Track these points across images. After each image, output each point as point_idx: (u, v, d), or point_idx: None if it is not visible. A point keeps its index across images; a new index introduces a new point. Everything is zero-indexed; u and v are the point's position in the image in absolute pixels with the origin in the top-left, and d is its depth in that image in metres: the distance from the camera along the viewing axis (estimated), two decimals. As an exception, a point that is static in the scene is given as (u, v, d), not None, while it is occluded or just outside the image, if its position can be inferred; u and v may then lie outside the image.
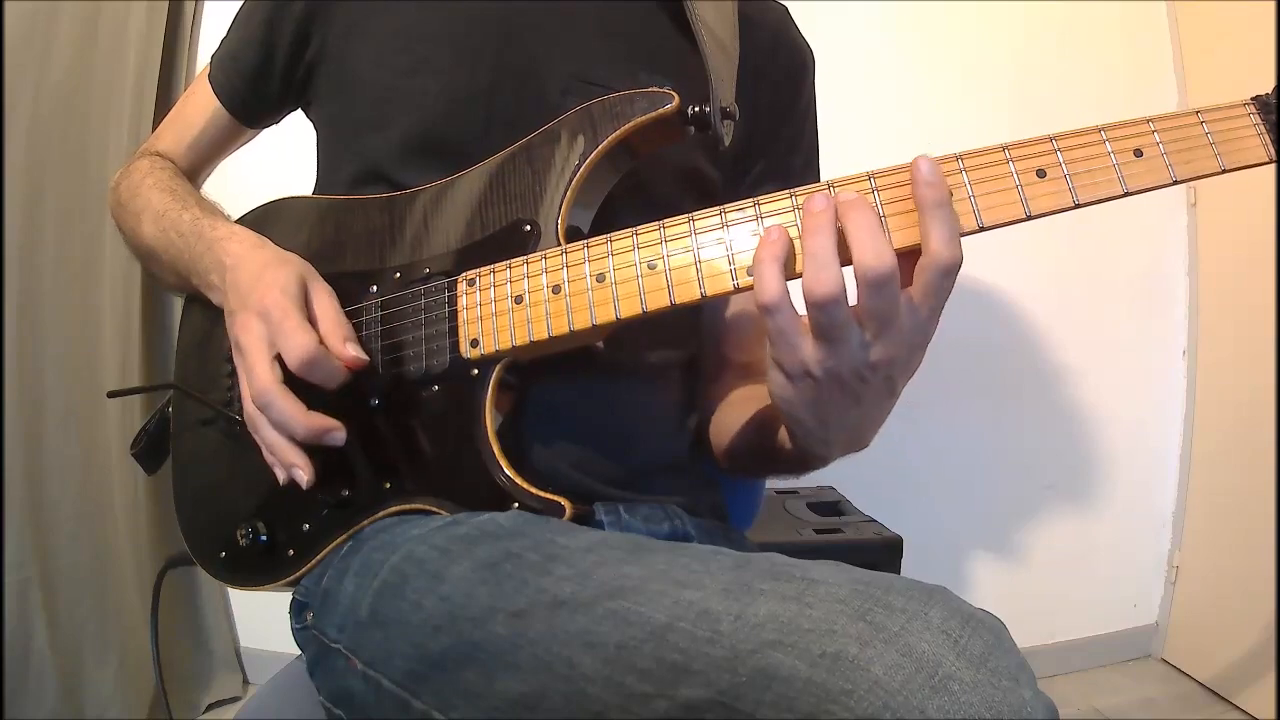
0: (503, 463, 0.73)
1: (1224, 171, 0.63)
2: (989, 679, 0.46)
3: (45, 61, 1.89)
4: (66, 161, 1.92)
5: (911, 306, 0.61)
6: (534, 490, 0.72)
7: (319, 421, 0.74)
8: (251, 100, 1.00)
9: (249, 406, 0.76)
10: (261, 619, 2.17)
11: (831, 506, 1.85)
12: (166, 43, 1.98)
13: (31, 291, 1.89)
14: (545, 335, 0.72)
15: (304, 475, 0.75)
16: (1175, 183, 0.63)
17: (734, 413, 0.93)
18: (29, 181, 1.88)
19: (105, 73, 1.94)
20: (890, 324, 0.61)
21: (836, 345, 0.61)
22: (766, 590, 0.52)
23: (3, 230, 1.83)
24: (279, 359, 0.74)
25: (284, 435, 0.75)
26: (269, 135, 1.09)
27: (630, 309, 0.69)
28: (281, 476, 0.76)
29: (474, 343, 0.75)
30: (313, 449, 0.76)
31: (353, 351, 0.76)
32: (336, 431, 0.75)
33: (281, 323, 0.74)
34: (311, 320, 0.76)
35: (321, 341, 0.75)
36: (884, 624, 0.48)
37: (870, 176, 0.64)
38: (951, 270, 0.60)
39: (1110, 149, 0.63)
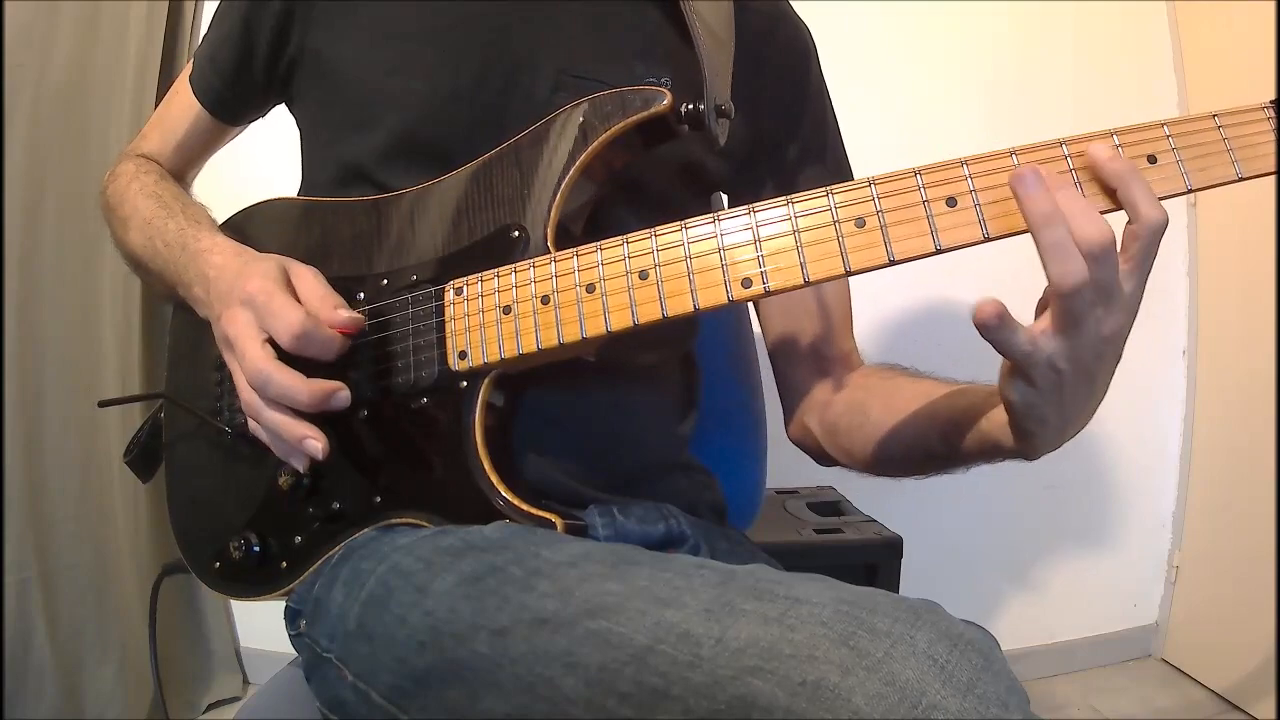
0: (493, 478, 0.72)
1: (1240, 180, 0.61)
2: (976, 706, 0.46)
3: (45, 61, 1.88)
4: (66, 161, 1.91)
5: (1124, 274, 0.61)
6: (525, 508, 0.71)
7: (321, 386, 0.72)
8: (232, 100, 0.99)
9: (246, 394, 0.74)
10: (261, 619, 2.17)
11: (831, 506, 1.85)
12: (166, 42, 1.98)
13: (31, 292, 1.89)
14: (534, 348, 0.71)
15: (318, 445, 0.72)
16: (1189, 191, 0.61)
17: (881, 419, 0.88)
18: (29, 181, 1.87)
19: (105, 73, 1.94)
20: (1114, 294, 0.61)
21: (1079, 329, 0.61)
22: (749, 611, 0.52)
23: (3, 230, 1.83)
24: (272, 343, 0.73)
25: (288, 411, 0.73)
26: (263, 132, 1.08)
27: (621, 321, 0.68)
28: (298, 463, 0.75)
29: (462, 354, 0.74)
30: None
31: (344, 315, 0.75)
32: (341, 393, 0.73)
33: (267, 304, 0.73)
34: (298, 300, 0.75)
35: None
36: (867, 649, 0.48)
37: (871, 182, 0.64)
38: (1161, 230, 0.60)
39: (1123, 155, 0.61)
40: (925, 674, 0.46)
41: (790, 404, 1.03)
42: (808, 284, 0.65)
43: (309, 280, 0.77)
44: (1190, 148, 0.61)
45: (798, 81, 1.00)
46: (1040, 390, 0.64)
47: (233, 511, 0.84)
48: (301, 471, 0.76)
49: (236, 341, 0.74)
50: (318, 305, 0.75)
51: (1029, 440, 0.71)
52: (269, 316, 0.73)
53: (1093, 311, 0.60)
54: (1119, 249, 0.60)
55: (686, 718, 0.49)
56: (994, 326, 0.61)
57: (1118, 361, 0.67)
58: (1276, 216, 1.83)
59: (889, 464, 0.90)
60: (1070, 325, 0.61)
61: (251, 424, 0.77)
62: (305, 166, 0.96)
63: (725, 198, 1.03)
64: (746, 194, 0.95)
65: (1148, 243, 0.61)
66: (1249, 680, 2.03)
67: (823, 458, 1.00)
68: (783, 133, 0.98)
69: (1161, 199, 0.61)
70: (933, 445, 0.83)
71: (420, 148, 0.84)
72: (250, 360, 0.73)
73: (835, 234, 0.64)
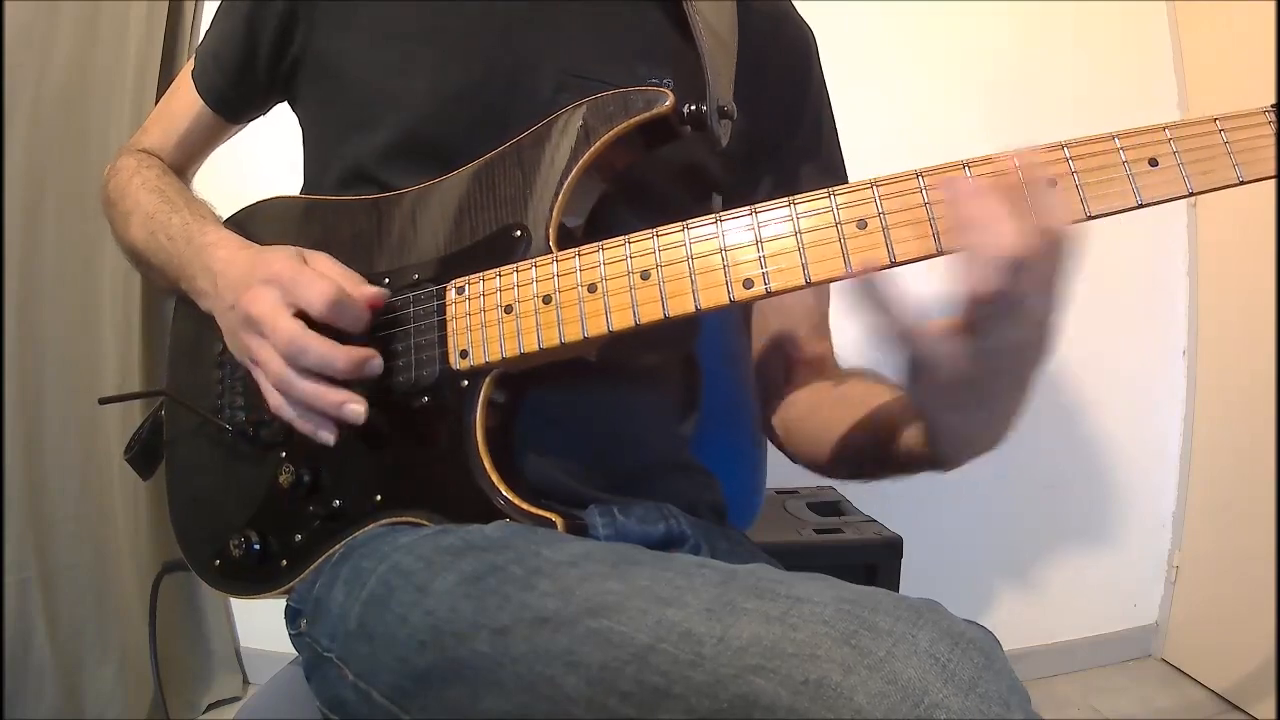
0: (494, 477, 0.72)
1: (1241, 183, 0.61)
2: (978, 705, 0.46)
3: (45, 61, 1.89)
4: (66, 161, 1.91)
5: (1029, 290, 0.59)
6: (526, 507, 0.71)
7: (358, 351, 0.73)
8: (234, 98, 0.99)
9: (276, 367, 0.73)
10: (261, 619, 2.17)
11: (831, 506, 1.85)
12: (166, 43, 1.98)
13: (31, 291, 1.89)
14: (535, 347, 0.71)
15: (360, 408, 0.72)
16: (1191, 194, 0.61)
17: (829, 417, 0.90)
18: (29, 181, 1.88)
19: (105, 73, 1.94)
20: (1018, 309, 0.59)
21: (977, 337, 0.60)
22: (750, 609, 0.52)
23: (3, 230, 1.83)
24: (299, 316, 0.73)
25: (322, 380, 0.73)
26: (265, 130, 1.09)
27: (623, 321, 0.68)
28: (329, 434, 0.74)
29: (463, 353, 0.74)
30: (308, 457, 0.76)
31: (370, 289, 0.75)
32: (375, 359, 0.74)
33: (296, 277, 0.73)
34: None
35: None
36: (869, 648, 0.47)
37: (873, 184, 0.63)
38: (1063, 251, 0.58)
39: (1124, 158, 0.61)
40: (927, 673, 0.46)
41: (764, 402, 1.04)
42: (809, 285, 0.65)
43: (326, 261, 0.78)
44: (1191, 151, 0.61)
45: (799, 82, 1.01)
46: (942, 392, 0.65)
47: (233, 509, 0.84)
48: (331, 444, 0.75)
49: (264, 318, 0.73)
50: (341, 280, 0.75)
51: (935, 445, 0.71)
52: (300, 288, 0.72)
53: (993, 324, 0.60)
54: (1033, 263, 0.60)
55: (688, 717, 0.48)
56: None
57: (1022, 386, 0.66)
58: (1276, 217, 1.84)
59: (832, 464, 0.91)
60: (969, 332, 0.61)
61: (275, 402, 0.76)
62: (307, 165, 0.96)
63: (719, 200, 1.03)
64: (745, 193, 0.96)
65: (1050, 260, 0.59)
66: (1249, 680, 2.04)
67: (790, 457, 1.01)
68: (782, 133, 0.98)
69: (1163, 202, 0.61)
70: (864, 447, 0.84)
71: (423, 148, 0.84)
72: (283, 331, 0.72)
73: (837, 235, 0.64)
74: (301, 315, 0.73)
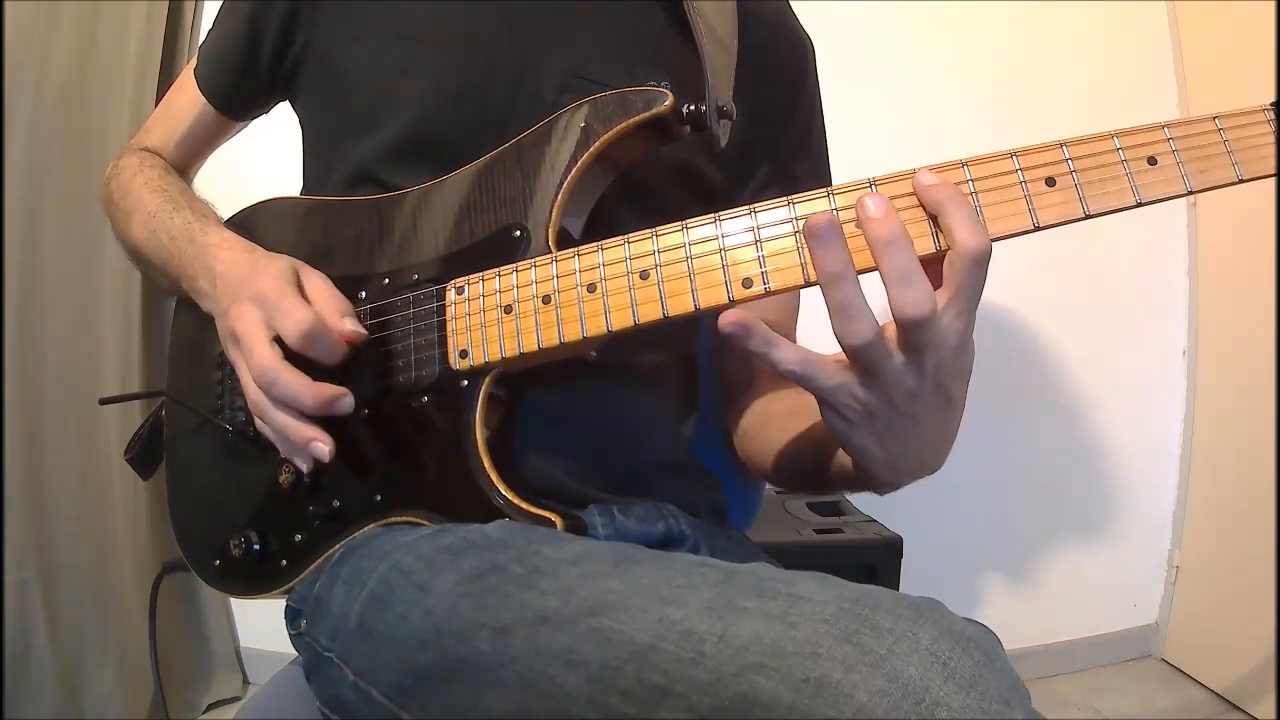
0: (493, 477, 0.72)
1: (1240, 182, 0.61)
2: (978, 703, 0.46)
3: (45, 61, 1.89)
4: (67, 161, 1.92)
5: (945, 309, 0.60)
6: (525, 506, 0.71)
7: (327, 390, 0.73)
8: (236, 96, 0.99)
9: (253, 393, 0.74)
10: (261, 619, 2.18)
11: (831, 506, 1.85)
12: (166, 43, 1.99)
13: (31, 291, 1.89)
14: (535, 347, 0.71)
15: (325, 448, 0.73)
16: (1190, 193, 0.61)
17: (779, 429, 0.90)
18: (29, 181, 1.88)
19: (105, 73, 1.94)
20: (923, 342, 0.60)
21: (875, 374, 0.61)
22: (751, 608, 0.52)
23: (3, 230, 1.84)
24: (278, 341, 0.73)
25: (292, 413, 0.73)
26: (265, 130, 1.09)
27: (622, 321, 0.68)
28: (302, 463, 0.75)
29: (463, 354, 0.74)
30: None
31: (350, 326, 0.75)
32: (345, 398, 0.74)
33: (278, 302, 0.73)
34: (306, 301, 0.76)
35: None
36: (870, 646, 0.47)
37: (871, 183, 0.63)
38: (983, 260, 0.59)
39: (1123, 156, 0.61)
40: (928, 670, 0.46)
41: (724, 408, 1.04)
42: (808, 284, 0.65)
43: (318, 284, 0.77)
44: (1190, 150, 0.61)
45: (794, 84, 1.01)
46: (851, 423, 0.65)
47: (233, 509, 0.83)
48: (304, 472, 0.77)
49: (244, 338, 0.74)
50: (326, 309, 0.75)
51: (863, 471, 0.72)
52: (278, 314, 0.73)
53: (888, 361, 0.60)
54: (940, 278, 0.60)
55: (689, 715, 0.48)
56: (740, 335, 0.61)
57: (950, 402, 0.66)
58: (1276, 217, 1.84)
59: (776, 476, 0.91)
60: (863, 372, 0.61)
61: (257, 423, 0.77)
62: (307, 165, 0.96)
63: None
64: (738, 192, 0.96)
65: (965, 273, 0.59)
66: (1249, 680, 2.04)
67: (744, 463, 1.00)
68: (779, 133, 0.99)
69: (1161, 201, 0.61)
70: (805, 463, 0.84)
71: (425, 148, 0.84)
72: (258, 358, 0.73)
73: (835, 234, 0.64)
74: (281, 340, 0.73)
